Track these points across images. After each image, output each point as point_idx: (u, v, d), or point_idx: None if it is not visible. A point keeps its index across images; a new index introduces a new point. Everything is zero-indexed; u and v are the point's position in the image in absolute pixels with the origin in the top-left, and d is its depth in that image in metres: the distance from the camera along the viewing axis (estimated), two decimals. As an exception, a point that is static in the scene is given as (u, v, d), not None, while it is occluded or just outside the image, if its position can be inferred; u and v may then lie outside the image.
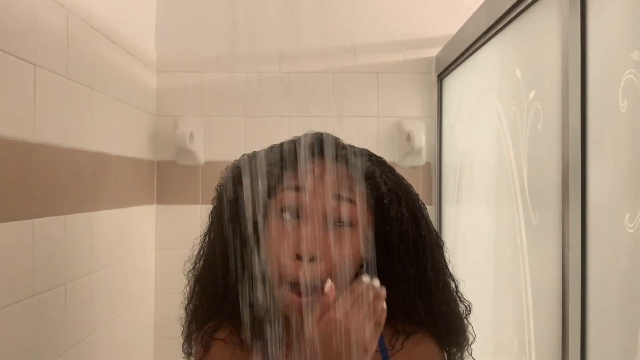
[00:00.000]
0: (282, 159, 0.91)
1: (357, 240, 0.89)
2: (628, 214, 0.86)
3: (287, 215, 0.88)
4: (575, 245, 1.00)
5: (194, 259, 1.03)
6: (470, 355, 1.04)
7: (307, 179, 0.88)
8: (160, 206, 2.13)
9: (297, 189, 0.88)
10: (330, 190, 0.88)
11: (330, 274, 0.86)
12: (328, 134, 0.97)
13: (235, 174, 0.97)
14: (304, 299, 0.84)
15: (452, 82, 1.99)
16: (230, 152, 2.27)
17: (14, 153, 1.13)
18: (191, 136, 2.05)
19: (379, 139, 2.14)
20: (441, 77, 2.09)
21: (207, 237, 1.02)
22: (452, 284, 1.01)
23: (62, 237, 1.34)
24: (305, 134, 0.97)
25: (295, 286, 0.85)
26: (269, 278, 0.88)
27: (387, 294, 0.85)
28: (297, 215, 0.88)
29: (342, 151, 0.94)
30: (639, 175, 0.85)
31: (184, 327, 1.04)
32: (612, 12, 0.94)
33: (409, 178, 1.04)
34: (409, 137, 2.08)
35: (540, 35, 1.19)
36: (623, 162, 0.89)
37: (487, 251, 1.57)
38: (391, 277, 0.92)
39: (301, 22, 2.05)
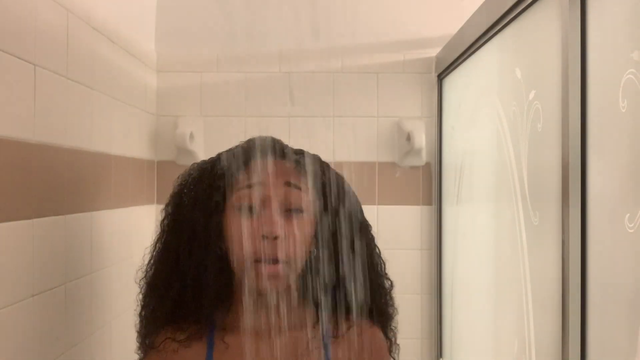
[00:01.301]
0: (234, 160, 1.04)
1: (308, 224, 1.01)
2: (628, 214, 0.86)
3: (245, 208, 1.00)
4: (575, 245, 1.00)
5: (144, 267, 1.14)
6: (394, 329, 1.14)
7: (257, 175, 1.01)
8: (160, 206, 2.12)
9: (250, 186, 1.00)
10: (282, 180, 1.00)
11: (291, 250, 0.97)
12: (267, 137, 1.09)
13: (184, 181, 1.12)
14: (277, 266, 0.96)
15: (452, 82, 1.99)
16: (230, 152, 2.25)
17: (14, 153, 1.13)
18: (191, 136, 2.05)
19: (379, 139, 2.14)
20: (441, 77, 2.09)
21: (158, 245, 1.12)
22: (381, 264, 1.12)
23: (62, 237, 1.34)
24: (251, 138, 1.10)
25: (261, 261, 0.97)
26: (235, 265, 1.00)
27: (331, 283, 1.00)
28: (252, 207, 1.00)
29: (286, 149, 1.06)
30: (639, 175, 0.85)
31: (137, 333, 1.12)
32: (612, 12, 0.94)
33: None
34: (409, 137, 2.08)
35: (540, 35, 1.19)
36: (623, 162, 0.89)
37: (487, 251, 1.57)
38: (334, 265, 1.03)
39: (301, 22, 2.05)
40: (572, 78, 1.02)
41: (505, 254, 1.40)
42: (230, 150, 1.08)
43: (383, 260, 1.13)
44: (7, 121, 1.11)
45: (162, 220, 1.10)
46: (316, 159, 1.08)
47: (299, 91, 2.13)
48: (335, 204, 1.03)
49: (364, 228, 1.09)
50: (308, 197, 1.01)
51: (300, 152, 1.07)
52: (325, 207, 1.02)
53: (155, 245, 1.09)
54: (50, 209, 1.28)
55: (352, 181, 1.11)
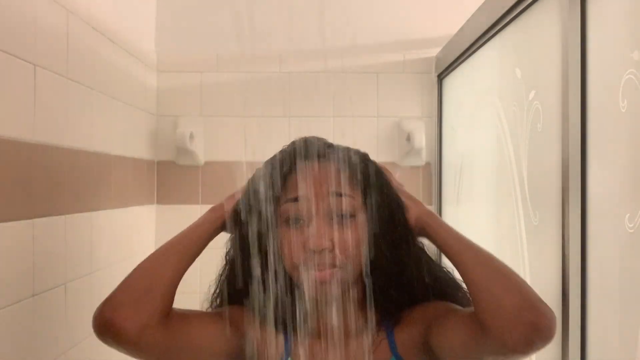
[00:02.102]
0: (276, 172, 1.03)
1: (361, 226, 1.00)
2: (628, 214, 0.86)
3: (293, 221, 0.99)
4: (575, 245, 1.00)
5: (229, 245, 1.11)
6: None
7: (303, 187, 0.99)
8: (160, 206, 2.13)
9: (294, 199, 0.99)
10: (326, 190, 0.99)
11: (343, 260, 0.97)
12: (314, 138, 1.08)
13: (247, 189, 1.07)
14: (326, 272, 0.96)
15: (452, 82, 1.99)
16: (230, 152, 2.28)
17: (14, 153, 1.13)
18: (191, 136, 2.05)
19: (379, 139, 2.14)
20: (441, 77, 2.09)
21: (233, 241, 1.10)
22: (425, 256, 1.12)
23: (62, 237, 1.34)
24: (294, 141, 1.08)
25: (314, 269, 0.97)
26: (289, 276, 1.00)
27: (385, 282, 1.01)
28: (301, 219, 0.99)
29: (329, 150, 1.05)
30: (639, 175, 0.85)
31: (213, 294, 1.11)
32: (612, 12, 0.94)
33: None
34: (409, 137, 2.08)
35: (540, 35, 1.19)
36: (623, 162, 0.89)
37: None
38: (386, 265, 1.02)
39: (301, 22, 2.05)
40: (572, 78, 1.02)
41: (505, 254, 1.40)
42: (274, 158, 1.07)
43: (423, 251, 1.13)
44: (7, 121, 1.11)
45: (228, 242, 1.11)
46: (361, 156, 1.07)
47: (299, 91, 2.13)
48: (383, 201, 1.02)
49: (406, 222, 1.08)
50: (357, 200, 1.00)
51: (344, 151, 1.06)
52: (375, 205, 1.02)
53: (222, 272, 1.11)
54: (50, 209, 1.28)
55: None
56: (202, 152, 2.11)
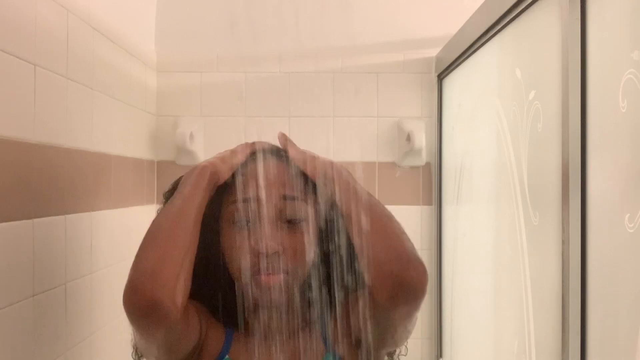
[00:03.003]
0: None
1: (311, 231, 0.98)
2: (628, 214, 0.86)
3: (240, 223, 0.97)
4: (575, 245, 1.00)
5: None
6: None
7: (257, 187, 0.97)
8: (160, 206, 2.12)
9: (245, 200, 0.97)
10: (278, 193, 0.97)
11: (290, 263, 0.95)
12: (259, 142, 1.09)
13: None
14: (275, 276, 0.94)
15: (452, 82, 1.99)
16: (230, 152, 2.25)
17: (14, 153, 1.13)
18: (191, 136, 2.05)
19: (379, 139, 2.14)
20: (441, 77, 2.09)
21: None
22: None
23: (62, 237, 1.34)
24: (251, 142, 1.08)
25: (260, 273, 0.95)
26: (236, 278, 0.99)
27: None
28: (249, 220, 0.97)
29: (284, 155, 1.04)
30: (639, 175, 0.85)
31: None
32: (612, 12, 0.94)
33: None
34: (409, 137, 2.08)
35: (540, 35, 1.19)
36: (623, 162, 0.89)
37: (487, 251, 1.57)
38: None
39: (301, 22, 2.05)
40: (572, 78, 1.02)
41: (505, 254, 1.40)
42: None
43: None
44: (7, 121, 1.11)
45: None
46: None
47: (299, 91, 2.13)
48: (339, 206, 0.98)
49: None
50: (309, 205, 0.99)
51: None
52: (325, 209, 1.00)
53: None
54: (50, 209, 1.28)
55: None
56: (202, 152, 2.11)
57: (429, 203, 2.13)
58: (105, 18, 1.59)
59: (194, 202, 0.96)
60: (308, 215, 0.98)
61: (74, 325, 1.39)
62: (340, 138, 2.09)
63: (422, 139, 2.08)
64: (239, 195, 0.98)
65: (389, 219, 0.95)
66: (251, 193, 0.97)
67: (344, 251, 1.00)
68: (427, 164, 2.15)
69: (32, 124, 1.20)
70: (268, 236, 0.94)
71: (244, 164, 1.01)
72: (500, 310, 1.45)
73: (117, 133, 1.72)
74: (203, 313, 1.02)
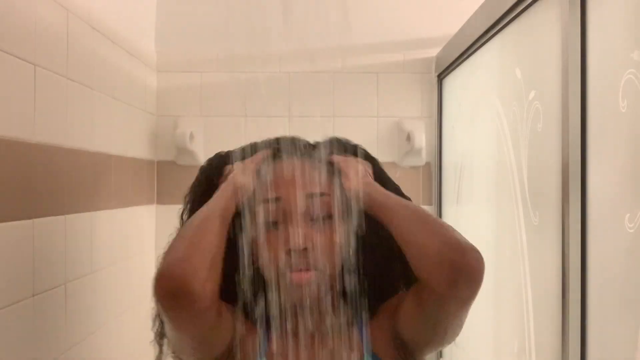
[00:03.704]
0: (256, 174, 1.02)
1: (340, 229, 0.98)
2: (628, 214, 0.86)
3: (268, 224, 0.98)
4: (575, 245, 1.00)
5: None
6: None
7: (282, 186, 0.98)
8: (160, 206, 2.13)
9: (272, 199, 0.98)
10: (304, 191, 0.98)
11: (320, 260, 0.95)
12: (286, 137, 1.08)
13: (207, 174, 1.10)
14: (306, 273, 0.94)
15: (452, 82, 1.99)
16: (230, 152, 2.24)
17: (14, 153, 1.13)
18: (191, 136, 2.05)
19: (379, 139, 2.14)
20: (441, 77, 2.09)
21: None
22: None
23: (62, 237, 1.34)
24: (270, 138, 1.09)
25: (291, 270, 0.96)
26: (268, 278, 0.98)
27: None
28: (279, 221, 0.98)
29: (308, 149, 1.05)
30: (639, 175, 0.85)
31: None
32: (612, 12, 0.94)
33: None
34: (409, 137, 2.08)
35: (540, 35, 1.19)
36: (623, 162, 0.89)
37: (487, 251, 1.56)
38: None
39: (301, 22, 2.05)
40: (572, 78, 1.02)
41: (506, 254, 1.40)
42: (245, 160, 1.06)
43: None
44: (7, 121, 1.11)
45: (181, 214, 1.12)
46: (347, 147, 1.07)
47: (299, 91, 2.13)
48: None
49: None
50: (337, 198, 0.99)
51: (329, 144, 1.06)
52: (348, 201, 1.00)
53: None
54: (50, 209, 1.28)
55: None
56: (202, 152, 2.11)
57: (429, 203, 2.13)
58: (105, 18, 1.59)
59: (219, 204, 0.98)
60: (335, 211, 0.98)
61: (74, 325, 1.39)
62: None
63: (422, 139, 2.08)
64: (265, 195, 0.99)
65: (428, 212, 0.98)
66: (276, 193, 0.98)
67: (381, 249, 1.01)
68: (427, 164, 2.15)
69: (32, 124, 1.20)
70: (296, 233, 0.95)
71: (269, 163, 1.02)
72: (500, 310, 1.45)
73: (117, 133, 1.72)
74: (236, 314, 1.02)
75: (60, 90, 1.33)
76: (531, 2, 1.22)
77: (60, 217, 1.33)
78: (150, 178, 2.08)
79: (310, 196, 0.97)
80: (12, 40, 1.13)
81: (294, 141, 1.06)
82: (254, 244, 0.99)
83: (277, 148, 1.04)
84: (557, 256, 1.06)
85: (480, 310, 1.61)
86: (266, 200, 0.98)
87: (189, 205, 1.10)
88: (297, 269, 0.94)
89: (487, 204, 1.60)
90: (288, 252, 0.95)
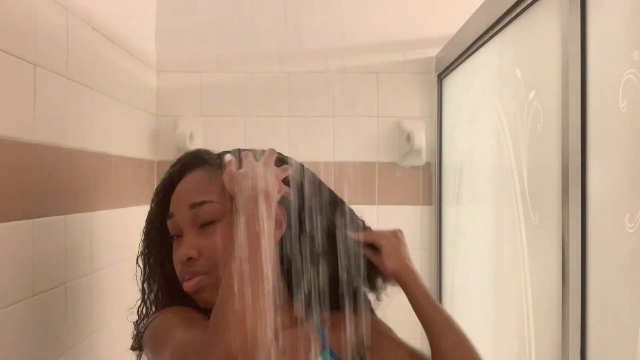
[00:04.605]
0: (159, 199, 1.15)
1: (227, 230, 1.00)
2: (628, 214, 0.86)
3: (175, 239, 1.06)
4: (575, 245, 1.00)
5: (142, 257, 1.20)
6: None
7: (172, 204, 1.07)
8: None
9: (169, 217, 1.07)
10: (186, 204, 1.04)
11: (214, 263, 0.99)
12: (192, 152, 1.18)
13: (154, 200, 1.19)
14: (192, 280, 1.01)
15: (452, 82, 1.99)
16: (230, 152, 2.25)
17: (14, 153, 1.13)
18: (191, 136, 2.05)
19: (379, 139, 2.14)
20: (441, 77, 2.09)
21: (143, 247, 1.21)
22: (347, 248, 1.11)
23: (62, 237, 1.34)
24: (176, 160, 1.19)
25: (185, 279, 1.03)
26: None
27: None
28: (179, 235, 1.05)
29: (200, 160, 1.12)
30: (639, 175, 0.85)
31: (137, 322, 1.15)
32: (612, 12, 0.94)
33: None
34: (409, 137, 2.08)
35: (540, 35, 1.19)
36: (623, 162, 0.89)
37: (487, 251, 1.57)
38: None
39: (301, 22, 2.05)
40: (572, 78, 1.02)
41: (505, 254, 1.40)
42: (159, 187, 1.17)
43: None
44: (7, 121, 1.11)
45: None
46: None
47: (299, 91, 2.13)
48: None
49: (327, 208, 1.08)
50: (222, 204, 1.01)
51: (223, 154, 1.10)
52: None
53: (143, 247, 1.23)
54: (50, 209, 1.28)
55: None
56: (202, 152, 2.11)
57: (429, 203, 2.13)
58: (105, 18, 1.59)
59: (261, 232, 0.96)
60: (227, 213, 1.01)
61: (74, 325, 1.39)
62: (340, 138, 2.09)
63: (422, 139, 2.08)
64: (169, 212, 1.08)
65: (465, 337, 1.06)
66: (172, 209, 1.07)
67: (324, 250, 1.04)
68: (427, 164, 2.15)
69: (32, 124, 1.20)
70: (183, 245, 1.02)
71: (164, 183, 1.15)
72: (500, 310, 1.45)
73: (117, 133, 1.72)
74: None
75: (60, 90, 1.33)
76: (531, 2, 1.22)
77: (60, 217, 1.33)
78: (150, 178, 2.08)
79: (193, 206, 1.03)
80: (12, 40, 1.13)
81: (193, 156, 1.14)
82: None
83: (179, 167, 1.14)
84: (557, 256, 1.06)
85: (480, 310, 1.61)
86: (168, 217, 1.07)
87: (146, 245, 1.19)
88: (187, 278, 1.01)
89: (487, 203, 1.60)
90: (179, 264, 1.03)
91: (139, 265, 1.18)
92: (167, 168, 1.19)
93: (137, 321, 1.15)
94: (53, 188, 1.29)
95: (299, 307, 1.03)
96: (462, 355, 1.02)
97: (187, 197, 1.05)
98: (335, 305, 1.05)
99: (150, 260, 1.15)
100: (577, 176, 1.01)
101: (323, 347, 1.03)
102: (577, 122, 1.01)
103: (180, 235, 1.04)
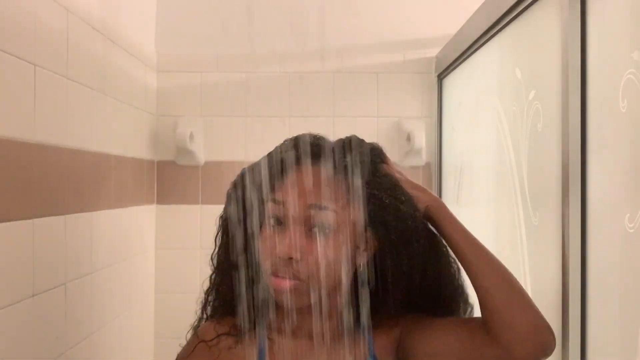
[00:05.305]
0: (270, 168, 1.01)
1: (338, 245, 0.95)
2: (628, 214, 0.86)
3: (272, 222, 0.97)
4: (575, 245, 1.00)
5: (215, 250, 1.09)
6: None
7: (286, 191, 0.97)
8: (160, 206, 2.13)
9: (277, 201, 0.97)
10: (305, 201, 0.96)
11: (312, 273, 0.94)
12: (318, 138, 1.03)
13: (239, 183, 1.05)
14: (285, 281, 0.94)
15: (452, 82, 1.99)
16: (230, 152, 2.28)
17: (14, 153, 1.13)
18: (191, 136, 2.05)
19: (379, 139, 2.11)
20: (441, 77, 2.09)
21: (218, 235, 1.08)
22: (454, 266, 1.07)
23: (62, 237, 1.34)
24: (297, 137, 1.03)
25: (277, 275, 0.96)
26: (263, 277, 0.99)
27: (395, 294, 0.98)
28: (280, 222, 0.97)
29: (329, 155, 1.00)
30: (639, 175, 0.85)
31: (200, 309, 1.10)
32: (612, 12, 0.94)
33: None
34: (409, 137, 2.08)
35: (540, 35, 1.19)
36: (623, 162, 0.89)
37: (487, 251, 1.57)
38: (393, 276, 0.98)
39: (301, 22, 2.05)
40: (572, 78, 1.02)
41: (505, 254, 1.40)
42: (271, 152, 1.04)
43: (454, 267, 1.08)
44: (7, 121, 1.11)
45: (220, 218, 1.08)
46: (364, 154, 1.02)
47: (299, 91, 2.13)
48: (380, 215, 0.97)
49: (415, 233, 1.00)
50: (340, 214, 0.96)
51: (350, 147, 1.01)
52: (369, 219, 0.97)
53: (215, 240, 1.09)
54: (50, 209, 1.28)
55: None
56: (202, 152, 2.11)
57: (429, 203, 2.12)
58: (105, 18, 1.59)
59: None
60: (341, 226, 0.96)
61: (74, 325, 1.39)
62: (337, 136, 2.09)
63: (422, 139, 2.08)
64: (271, 196, 0.98)
65: (510, 275, 0.99)
66: (282, 196, 0.97)
67: (400, 267, 0.98)
68: (427, 164, 2.15)
69: (32, 124, 1.20)
70: (287, 241, 0.94)
71: (286, 161, 1.00)
72: (500, 310, 1.45)
73: (117, 133, 1.72)
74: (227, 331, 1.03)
75: (60, 90, 1.33)
76: (531, 2, 1.22)
77: (60, 217, 1.33)
78: (150, 178, 2.08)
79: (313, 207, 0.95)
80: (12, 40, 1.13)
81: (316, 144, 1.01)
82: (258, 240, 1.00)
83: (298, 153, 1.01)
84: (557, 256, 1.06)
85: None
86: (271, 200, 0.98)
87: (223, 236, 1.07)
88: (279, 275, 0.95)
89: (487, 204, 1.60)
90: (273, 256, 0.96)
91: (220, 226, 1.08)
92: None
93: (208, 289, 1.10)
94: (53, 188, 1.29)
95: (348, 312, 1.02)
96: (510, 297, 0.94)
97: (310, 195, 0.96)
98: (376, 309, 1.01)
99: (233, 224, 1.03)
100: (577, 176, 1.01)
101: (368, 353, 1.01)
102: (577, 122, 1.01)
103: (280, 224, 0.96)
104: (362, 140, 1.05)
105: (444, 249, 1.06)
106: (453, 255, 1.05)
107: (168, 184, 2.13)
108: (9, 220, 1.11)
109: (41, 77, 1.24)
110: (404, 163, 2.13)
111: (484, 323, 0.94)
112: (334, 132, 1.05)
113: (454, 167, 1.93)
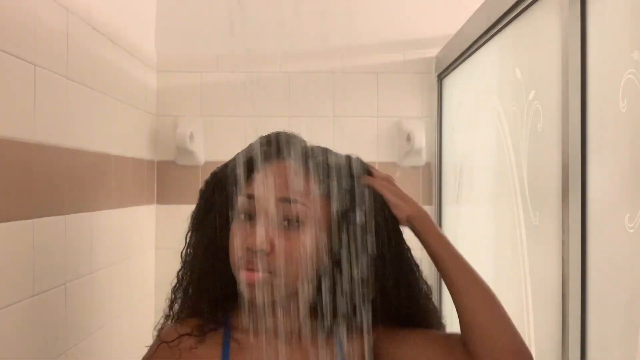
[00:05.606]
0: (240, 165, 1.02)
1: (308, 237, 0.96)
2: (628, 214, 0.86)
3: (242, 217, 0.98)
4: (575, 245, 1.00)
5: (185, 248, 1.11)
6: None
7: (256, 185, 0.98)
8: (160, 206, 2.13)
9: (247, 195, 0.98)
10: (275, 194, 0.97)
11: (282, 265, 0.95)
12: (290, 135, 1.06)
13: (209, 182, 1.09)
14: (255, 274, 0.94)
15: (452, 82, 1.99)
16: (230, 152, 2.27)
17: (14, 153, 1.13)
18: (191, 136, 2.05)
19: (379, 139, 2.14)
20: (441, 77, 2.09)
21: (189, 234, 1.10)
22: (416, 271, 1.07)
23: (62, 237, 1.34)
24: (269, 134, 1.07)
25: (247, 268, 0.96)
26: (233, 272, 0.99)
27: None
28: (250, 216, 0.98)
29: (299, 151, 1.02)
30: (639, 175, 0.85)
31: (175, 288, 1.11)
32: (612, 12, 0.94)
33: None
34: (409, 137, 2.08)
35: (540, 35, 1.19)
36: (623, 162, 0.89)
37: (487, 251, 1.57)
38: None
39: (301, 22, 2.05)
40: (572, 78, 1.02)
41: (505, 254, 1.40)
42: (242, 150, 1.06)
43: (418, 266, 1.08)
44: (7, 121, 1.11)
45: (191, 216, 1.10)
46: (337, 160, 1.03)
47: (299, 91, 2.13)
48: (349, 212, 0.97)
49: (385, 233, 1.01)
50: (311, 208, 0.97)
51: (320, 153, 1.03)
52: (340, 214, 0.98)
53: (185, 237, 1.10)
54: (50, 209, 1.28)
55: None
56: (202, 152, 2.11)
57: (429, 203, 2.13)
58: (105, 18, 1.59)
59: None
60: (311, 220, 0.97)
61: (73, 325, 1.39)
62: (340, 138, 2.09)
63: (422, 139, 2.08)
64: (241, 191, 0.99)
65: (492, 293, 0.97)
66: (254, 190, 0.98)
67: (369, 262, 0.98)
68: (427, 164, 2.15)
69: (32, 124, 1.20)
70: (257, 234, 0.95)
71: (251, 159, 1.02)
72: (500, 310, 1.45)
73: (117, 133, 1.72)
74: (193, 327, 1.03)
75: (60, 90, 1.33)
76: (531, 2, 1.22)
77: (60, 217, 1.33)
78: (150, 178, 2.08)
79: (283, 200, 0.96)
80: (12, 40, 1.13)
81: (287, 140, 1.04)
82: (229, 235, 1.00)
83: (268, 149, 1.03)
84: (557, 256, 1.06)
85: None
86: (244, 195, 0.99)
87: (193, 234, 1.08)
88: (249, 267, 0.95)
89: (487, 204, 1.60)
90: (247, 249, 0.96)
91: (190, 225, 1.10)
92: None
93: (175, 286, 1.11)
94: (53, 188, 1.29)
95: (320, 320, 1.01)
96: (492, 316, 0.93)
97: (280, 189, 0.97)
98: (349, 317, 1.00)
99: (203, 222, 1.06)
100: (577, 176, 1.01)
101: (338, 356, 1.01)
102: (577, 122, 1.01)
103: (251, 218, 0.97)
104: (336, 153, 1.07)
105: (414, 267, 1.06)
106: (423, 274, 1.07)
107: (168, 184, 2.13)
108: (9, 220, 1.11)
109: (41, 77, 1.24)
110: (404, 163, 2.13)
111: (463, 340, 0.94)
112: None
113: (454, 167, 1.93)
